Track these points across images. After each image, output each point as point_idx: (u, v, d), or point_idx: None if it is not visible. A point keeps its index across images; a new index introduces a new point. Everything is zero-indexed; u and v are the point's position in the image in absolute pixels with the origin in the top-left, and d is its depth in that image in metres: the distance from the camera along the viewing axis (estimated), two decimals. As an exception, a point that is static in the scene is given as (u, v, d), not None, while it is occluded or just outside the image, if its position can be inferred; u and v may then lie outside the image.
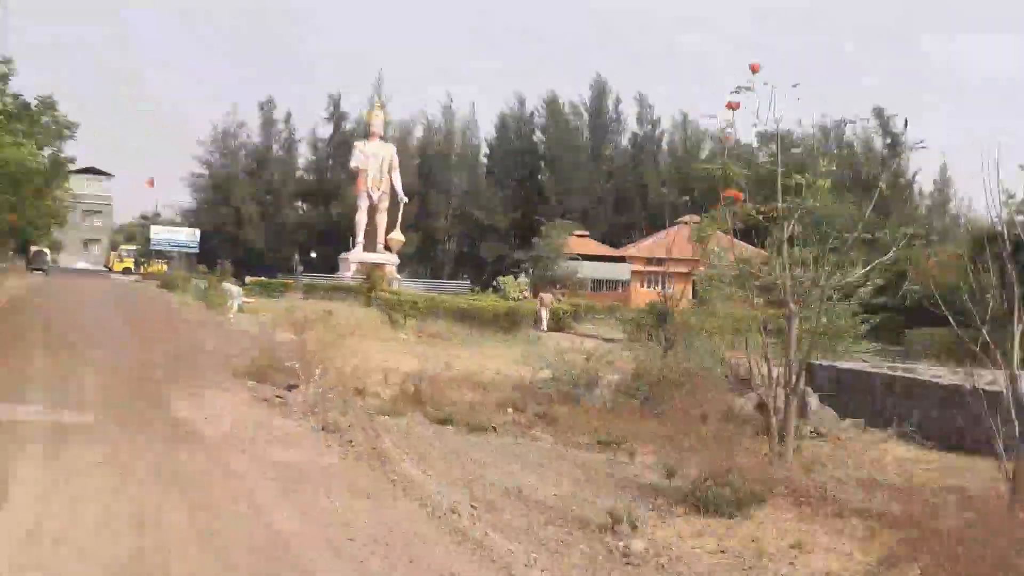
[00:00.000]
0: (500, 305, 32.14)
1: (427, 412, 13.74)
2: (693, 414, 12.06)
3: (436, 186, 77.57)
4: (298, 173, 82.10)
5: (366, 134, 68.99)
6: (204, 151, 78.69)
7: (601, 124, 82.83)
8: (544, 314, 35.54)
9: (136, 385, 12.80)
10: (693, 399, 13.24)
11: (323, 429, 10.96)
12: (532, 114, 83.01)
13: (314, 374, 14.01)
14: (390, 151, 68.70)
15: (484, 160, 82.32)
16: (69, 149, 45.45)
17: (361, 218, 67.64)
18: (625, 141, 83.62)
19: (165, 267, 76.35)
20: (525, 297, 57.80)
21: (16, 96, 35.11)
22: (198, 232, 73.71)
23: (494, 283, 60.55)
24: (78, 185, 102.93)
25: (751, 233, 12.43)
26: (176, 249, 74.97)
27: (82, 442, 9.19)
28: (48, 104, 34.66)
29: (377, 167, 67.68)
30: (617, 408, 14.71)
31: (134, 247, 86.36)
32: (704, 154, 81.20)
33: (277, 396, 12.68)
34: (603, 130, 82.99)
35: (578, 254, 64.25)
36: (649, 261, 68.48)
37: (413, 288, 58.33)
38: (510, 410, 14.44)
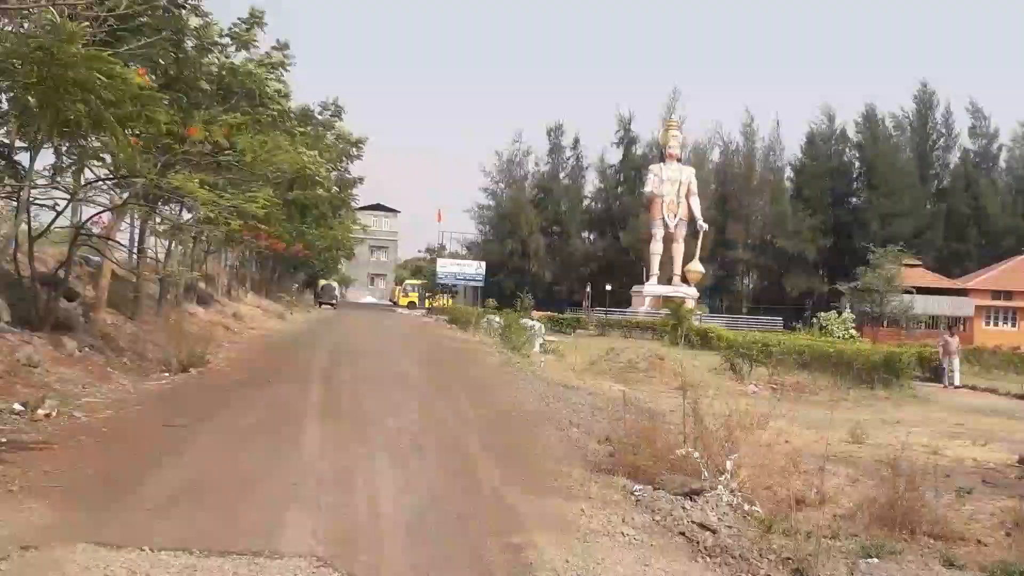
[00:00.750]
0: (873, 350, 25.52)
1: (926, 544, 7.98)
2: None
3: (735, 213, 71.09)
4: (585, 202, 78.31)
5: (661, 157, 63.99)
6: (490, 181, 76.79)
7: (927, 139, 73.03)
8: (955, 363, 28.43)
9: (454, 488, 7.92)
10: None
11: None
12: (843, 130, 74.62)
13: (722, 467, 8.62)
14: (688, 174, 63.31)
15: (789, 183, 74.69)
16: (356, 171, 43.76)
17: (656, 248, 62.63)
18: (956, 158, 73.20)
19: (450, 301, 74.77)
20: (853, 336, 50.17)
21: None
22: (484, 265, 71.36)
23: (815, 320, 53.20)
24: (365, 221, 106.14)
25: None
26: (462, 283, 73.06)
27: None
28: (335, 110, 31.78)
29: (674, 192, 62.50)
30: None
31: (419, 282, 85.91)
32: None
33: (694, 522, 7.35)
34: (930, 146, 73.13)
35: (912, 286, 55.48)
36: (996, 295, 58.49)
37: (717, 324, 52.28)
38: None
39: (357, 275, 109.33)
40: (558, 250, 74.72)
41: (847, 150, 74.94)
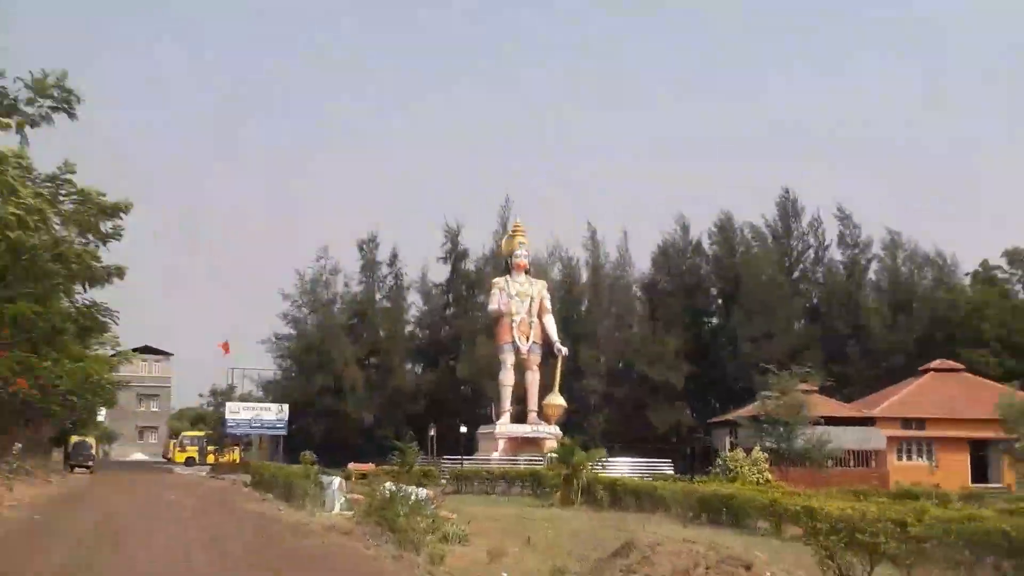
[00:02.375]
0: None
1: None
2: None
3: (584, 337, 61.68)
4: (408, 327, 67.06)
5: (506, 269, 53.94)
6: (291, 306, 64.49)
7: (793, 250, 67.04)
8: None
9: None
10: None
11: None
12: (699, 242, 67.63)
13: None
14: (540, 288, 53.76)
15: (640, 303, 66.32)
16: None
17: (507, 378, 52.14)
18: (821, 270, 67.38)
19: (237, 455, 61.05)
20: (769, 480, 40.83)
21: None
22: (286, 408, 58.44)
23: (719, 462, 43.67)
24: (131, 367, 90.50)
25: None
26: (259, 431, 59.63)
27: None
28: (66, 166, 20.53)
29: (525, 309, 52.63)
30: None
31: (201, 433, 71.39)
32: (927, 282, 65.11)
33: None
34: (795, 257, 67.14)
35: (820, 416, 47.09)
36: (907, 423, 51.12)
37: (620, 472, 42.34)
38: None
39: (123, 429, 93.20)
40: (379, 386, 62.75)
41: (704, 264, 67.76)
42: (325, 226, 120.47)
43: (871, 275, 66.45)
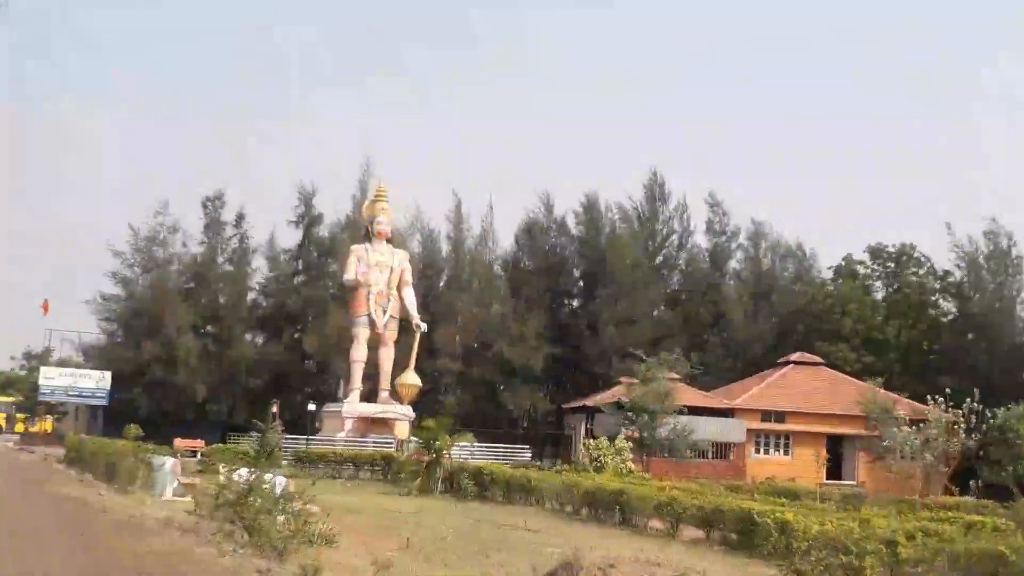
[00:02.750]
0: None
1: None
2: None
3: (441, 314, 58.50)
4: (251, 295, 62.26)
5: (365, 236, 50.29)
6: (121, 264, 58.66)
7: (657, 234, 65.63)
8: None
9: None
10: None
11: None
12: (563, 221, 65.41)
13: None
14: (401, 259, 50.67)
15: (500, 280, 63.50)
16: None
17: (359, 353, 48.83)
18: (683, 256, 66.28)
19: (49, 425, 55.27)
20: (632, 471, 38.86)
21: None
22: (109, 376, 52.98)
23: (581, 449, 41.45)
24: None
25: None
26: (77, 399, 53.88)
27: None
28: None
29: (384, 281, 49.39)
30: None
31: (11, 399, 64.60)
32: (788, 274, 64.97)
33: None
34: (660, 242, 65.75)
35: (684, 405, 45.44)
36: (767, 416, 50.28)
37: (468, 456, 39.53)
38: None
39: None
40: (216, 357, 57.83)
41: (568, 244, 65.55)
42: (166, 181, 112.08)
43: (733, 264, 65.77)
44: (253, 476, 15.23)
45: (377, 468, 37.73)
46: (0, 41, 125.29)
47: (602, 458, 38.92)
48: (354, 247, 50.16)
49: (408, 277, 50.30)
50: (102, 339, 59.21)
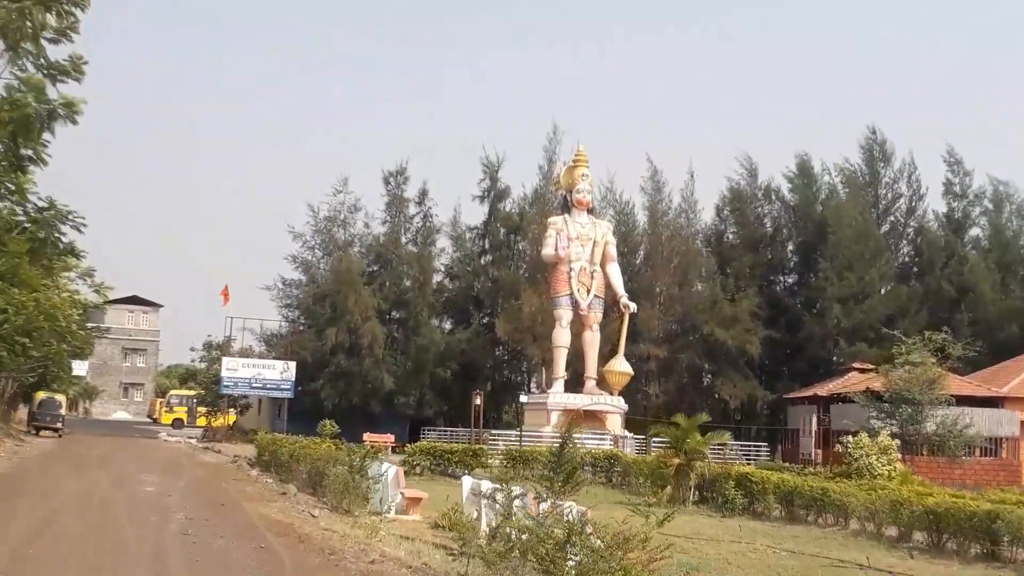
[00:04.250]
0: None
1: None
2: None
3: (642, 293, 53.08)
4: (437, 277, 58.47)
5: (564, 207, 45.63)
6: (301, 247, 55.92)
7: (880, 200, 58.37)
8: None
9: None
10: None
11: None
12: (770, 187, 58.92)
13: None
14: (604, 231, 45.72)
15: (704, 256, 57.58)
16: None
17: (561, 337, 44.07)
18: (920, 222, 58.59)
19: (232, 419, 52.92)
20: (904, 473, 32.65)
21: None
22: (293, 367, 50.07)
23: (838, 446, 35.39)
24: (117, 319, 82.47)
25: None
26: (260, 392, 51.29)
27: None
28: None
29: (586, 256, 44.45)
30: None
31: (192, 392, 62.97)
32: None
33: None
34: (884, 208, 58.51)
35: (950, 395, 38.70)
36: (1041, 403, 42.81)
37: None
38: None
39: (106, 385, 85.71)
40: (402, 344, 54.38)
41: (781, 213, 59.06)
42: (346, 156, 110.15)
43: (976, 232, 57.72)
44: (553, 507, 10.58)
45: (600, 470, 33.07)
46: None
47: (865, 458, 32.95)
48: (552, 219, 45.58)
49: (613, 252, 45.44)
50: (284, 327, 56.65)
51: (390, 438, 45.33)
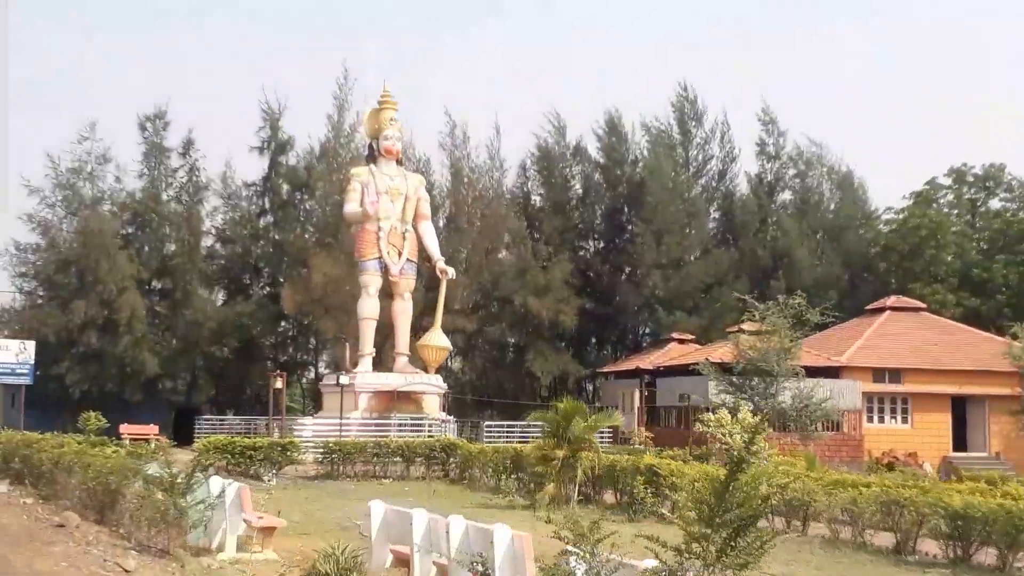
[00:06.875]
0: None
1: None
2: None
3: (449, 259, 48.09)
4: (208, 240, 51.12)
5: (370, 157, 40.07)
6: (39, 203, 47.21)
7: (693, 160, 56.19)
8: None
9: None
10: None
11: None
12: (579, 146, 55.39)
13: None
14: (415, 184, 40.50)
15: (513, 215, 53.13)
16: None
17: (369, 308, 38.63)
18: (723, 187, 56.76)
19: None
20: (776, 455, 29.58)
21: None
22: (31, 347, 41.60)
23: (698, 424, 31.84)
24: None
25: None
26: (-9, 379, 42.52)
27: None
28: None
29: (398, 214, 39.01)
30: None
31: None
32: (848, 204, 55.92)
33: None
34: (695, 169, 56.33)
35: (800, 365, 36.22)
36: (879, 374, 41.52)
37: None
38: None
39: None
40: (167, 320, 46.89)
41: (589, 173, 55.63)
42: (92, 96, 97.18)
43: (787, 196, 56.51)
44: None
45: (435, 462, 28.13)
46: None
47: (726, 436, 29.60)
48: (355, 170, 39.86)
49: (426, 208, 40.43)
50: (19, 300, 47.62)
51: (153, 430, 38.77)
